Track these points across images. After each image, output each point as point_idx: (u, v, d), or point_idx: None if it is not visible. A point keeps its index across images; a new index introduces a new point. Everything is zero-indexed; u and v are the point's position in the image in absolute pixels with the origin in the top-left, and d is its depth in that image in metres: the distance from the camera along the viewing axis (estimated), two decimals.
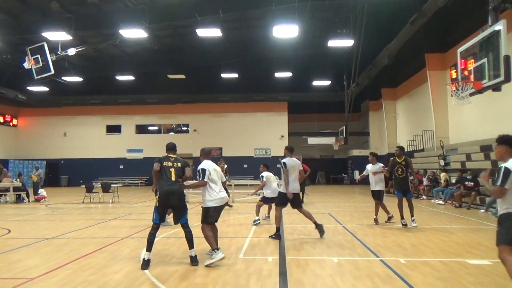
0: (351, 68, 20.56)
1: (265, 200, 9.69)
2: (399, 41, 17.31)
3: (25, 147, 31.15)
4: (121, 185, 20.68)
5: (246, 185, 21.16)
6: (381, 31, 19.56)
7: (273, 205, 8.67)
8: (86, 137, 31.17)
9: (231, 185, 14.93)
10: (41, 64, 15.92)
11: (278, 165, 8.16)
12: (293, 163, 7.59)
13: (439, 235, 7.83)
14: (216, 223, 6.03)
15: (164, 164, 5.69)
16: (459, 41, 14.92)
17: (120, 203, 15.52)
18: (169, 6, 17.69)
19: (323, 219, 10.45)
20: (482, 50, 7.99)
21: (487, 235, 7.67)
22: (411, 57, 21.26)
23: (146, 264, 5.39)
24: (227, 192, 12.59)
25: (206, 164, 5.87)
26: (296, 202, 7.65)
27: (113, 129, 31.85)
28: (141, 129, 32.16)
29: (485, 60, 7.83)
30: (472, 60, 8.35)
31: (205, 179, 5.72)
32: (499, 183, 3.77)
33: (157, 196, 5.61)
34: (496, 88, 7.77)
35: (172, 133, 32.34)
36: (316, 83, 27.73)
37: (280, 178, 8.34)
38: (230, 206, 12.92)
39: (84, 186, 15.97)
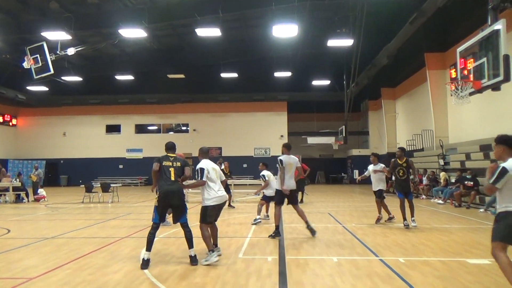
0: (351, 67, 20.57)
1: (266, 199, 9.71)
2: (398, 41, 17.31)
3: (24, 147, 31.13)
4: (120, 185, 20.66)
5: (246, 184, 21.17)
6: (381, 31, 19.56)
7: (272, 204, 8.69)
8: (85, 137, 31.15)
9: (231, 184, 14.92)
10: (40, 64, 15.90)
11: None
12: (290, 160, 7.58)
13: (438, 234, 7.83)
14: (216, 222, 6.04)
15: (163, 163, 5.67)
16: (459, 40, 14.94)
17: (119, 203, 15.51)
18: (169, 6, 17.68)
19: (323, 218, 10.47)
20: (482, 50, 7.99)
21: (486, 235, 7.62)
22: (410, 57, 21.27)
23: (145, 264, 5.38)
24: (229, 192, 12.66)
25: (205, 164, 5.86)
26: (292, 198, 7.67)
27: (113, 129, 31.83)
28: (141, 129, 32.14)
29: (484, 59, 7.84)
30: (472, 60, 8.35)
31: (204, 179, 5.71)
32: (491, 181, 3.89)
33: (156, 196, 5.61)
34: (496, 87, 7.78)
35: (171, 132, 32.34)
36: (315, 82, 27.72)
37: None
38: (233, 207, 12.91)
39: (83, 186, 15.96)
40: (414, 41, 17.90)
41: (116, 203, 15.26)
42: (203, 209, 5.77)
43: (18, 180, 16.45)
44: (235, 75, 26.26)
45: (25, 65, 16.13)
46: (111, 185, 16.14)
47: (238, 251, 6.45)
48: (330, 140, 28.08)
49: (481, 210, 11.52)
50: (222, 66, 25.28)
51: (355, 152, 30.26)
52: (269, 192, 9.52)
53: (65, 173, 30.66)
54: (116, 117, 31.55)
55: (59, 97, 29.56)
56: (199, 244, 6.05)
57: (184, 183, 5.83)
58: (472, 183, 12.91)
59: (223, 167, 13.19)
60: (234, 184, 15.78)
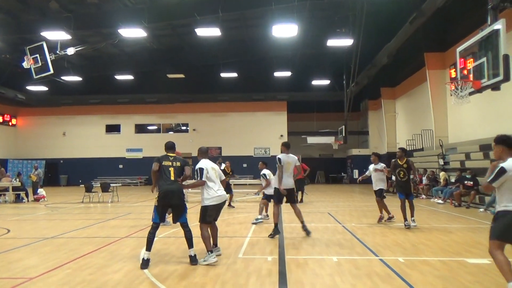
0: (351, 67, 20.57)
1: (268, 198, 9.71)
2: (398, 40, 17.31)
3: (24, 146, 31.11)
4: (120, 184, 20.67)
5: (246, 184, 21.17)
6: (381, 31, 19.56)
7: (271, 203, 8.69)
8: (85, 136, 31.12)
9: (231, 184, 14.92)
10: (40, 64, 15.89)
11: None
12: (289, 159, 7.57)
13: (438, 234, 7.83)
14: (216, 222, 6.04)
15: (163, 163, 5.66)
16: (459, 40, 14.93)
17: (119, 202, 15.51)
18: (169, 6, 17.68)
19: (323, 218, 10.48)
20: (481, 49, 7.99)
21: (486, 234, 7.58)
22: (410, 57, 21.27)
23: (145, 264, 5.38)
24: (230, 192, 12.66)
25: (204, 163, 5.87)
26: (291, 196, 7.68)
27: (112, 129, 31.81)
28: (141, 129, 32.12)
29: (484, 59, 7.84)
30: (471, 59, 8.35)
31: (203, 178, 5.71)
32: (489, 179, 3.98)
33: (156, 196, 5.61)
34: (495, 87, 7.77)
35: (171, 132, 32.32)
36: (315, 82, 27.71)
37: None
38: (233, 207, 12.92)
39: (83, 185, 15.96)
40: (413, 41, 17.90)
41: (116, 203, 15.26)
42: (202, 209, 5.77)
43: (18, 180, 16.46)
44: (235, 75, 26.25)
45: (25, 65, 16.12)
46: (111, 185, 16.14)
47: (238, 250, 6.45)
48: (330, 139, 28.07)
49: (481, 210, 11.50)
50: (222, 66, 25.28)
51: (355, 152, 30.26)
52: (270, 191, 9.52)
53: (65, 173, 30.65)
54: (116, 117, 31.53)
55: (59, 97, 29.55)
56: (199, 244, 6.05)
57: (183, 183, 5.83)
58: (472, 183, 12.91)
59: (223, 167, 13.18)
60: (234, 184, 15.79)
